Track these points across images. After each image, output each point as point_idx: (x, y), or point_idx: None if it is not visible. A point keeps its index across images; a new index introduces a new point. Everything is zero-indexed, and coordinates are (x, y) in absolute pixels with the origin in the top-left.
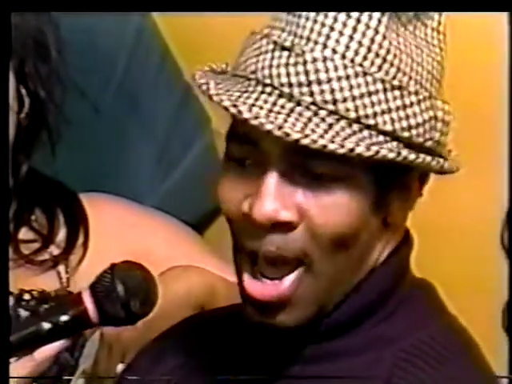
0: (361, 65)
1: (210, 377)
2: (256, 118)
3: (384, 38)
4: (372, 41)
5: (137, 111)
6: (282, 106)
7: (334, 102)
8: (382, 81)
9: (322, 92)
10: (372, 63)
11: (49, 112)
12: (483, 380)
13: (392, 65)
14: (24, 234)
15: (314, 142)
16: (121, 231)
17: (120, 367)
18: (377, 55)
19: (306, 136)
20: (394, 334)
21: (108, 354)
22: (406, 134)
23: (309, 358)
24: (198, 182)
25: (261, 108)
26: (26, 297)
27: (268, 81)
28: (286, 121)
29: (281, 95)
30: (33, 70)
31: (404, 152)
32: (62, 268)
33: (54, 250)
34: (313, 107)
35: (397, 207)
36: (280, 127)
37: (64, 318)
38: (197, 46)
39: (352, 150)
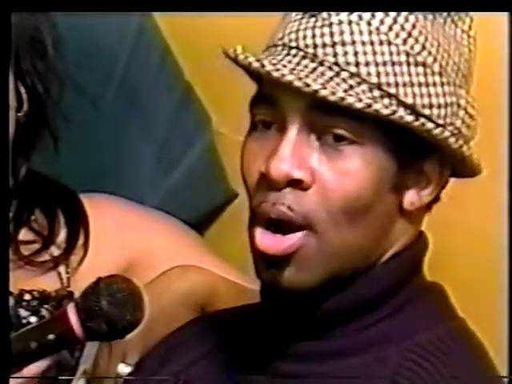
0: (386, 34)
1: (223, 373)
2: (277, 70)
3: (410, 14)
4: (398, 13)
5: (137, 111)
6: (306, 66)
7: (357, 64)
8: (407, 53)
9: (345, 53)
10: (397, 35)
11: (48, 110)
12: (488, 383)
13: (417, 41)
14: (24, 234)
15: (333, 93)
16: (121, 231)
17: (120, 367)
18: (402, 28)
19: (325, 88)
20: (399, 333)
21: (108, 354)
22: (426, 112)
23: (312, 356)
24: (198, 181)
25: (284, 66)
26: (27, 297)
27: (294, 44)
28: (307, 76)
29: (305, 56)
30: (30, 66)
31: (422, 119)
32: (62, 269)
33: (55, 251)
34: (335, 68)
35: (413, 194)
36: (300, 78)
37: (50, 336)
38: (197, 46)
39: (370, 105)
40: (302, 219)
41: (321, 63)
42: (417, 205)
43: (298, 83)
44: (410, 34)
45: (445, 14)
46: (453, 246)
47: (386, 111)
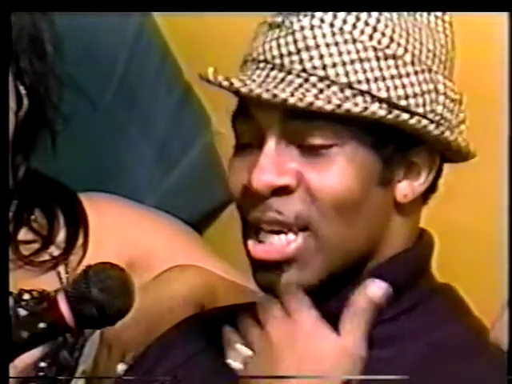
0: (350, 33)
1: (223, 363)
2: (245, 85)
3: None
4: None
5: (137, 111)
6: (274, 77)
7: (324, 67)
8: (374, 49)
9: (311, 58)
10: (362, 32)
11: (47, 110)
12: (500, 381)
13: (384, 35)
14: (24, 234)
15: (301, 100)
16: (121, 231)
17: (120, 367)
18: (366, 24)
19: (293, 96)
20: (417, 329)
21: (108, 354)
22: (403, 103)
23: None
24: (197, 181)
25: (253, 81)
26: (26, 297)
27: (262, 57)
28: (275, 87)
29: (273, 68)
30: (29, 66)
31: (396, 111)
32: (61, 268)
33: (54, 251)
34: (303, 74)
35: (405, 186)
36: (268, 90)
37: (41, 325)
38: (197, 46)
39: (339, 105)
40: (293, 220)
41: (289, 72)
42: (410, 196)
43: (265, 95)
44: (375, 29)
45: None
46: (453, 246)
47: (356, 109)
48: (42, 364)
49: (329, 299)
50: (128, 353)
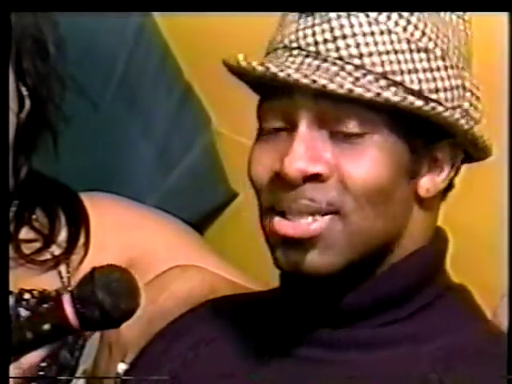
0: (385, 23)
1: (234, 354)
2: (282, 70)
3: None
4: None
5: (137, 111)
6: (309, 64)
7: (360, 55)
8: (408, 41)
9: (347, 46)
10: (396, 24)
11: (49, 111)
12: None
13: (416, 28)
14: (25, 233)
15: (341, 86)
16: (122, 231)
17: (120, 367)
18: (400, 16)
19: (332, 82)
20: (430, 331)
21: (108, 354)
22: (434, 96)
23: (335, 344)
24: (198, 181)
25: (288, 67)
26: (27, 296)
27: (295, 44)
28: (313, 73)
29: (307, 55)
30: (31, 66)
31: (432, 103)
32: (63, 268)
33: (56, 250)
34: (339, 62)
35: (427, 181)
36: (306, 76)
37: (45, 326)
38: (197, 46)
39: (379, 94)
40: (326, 206)
41: (324, 60)
42: (432, 192)
43: (304, 80)
44: (409, 22)
45: None
46: (453, 246)
47: (395, 98)
48: (42, 364)
49: (346, 292)
50: (128, 353)
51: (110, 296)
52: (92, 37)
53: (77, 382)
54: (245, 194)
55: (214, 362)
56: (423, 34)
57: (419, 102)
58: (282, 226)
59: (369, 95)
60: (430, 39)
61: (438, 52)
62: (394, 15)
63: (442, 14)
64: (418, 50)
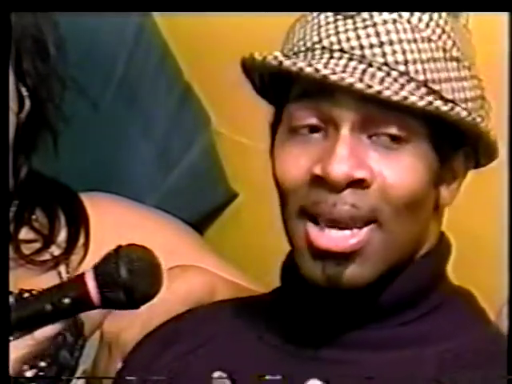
0: (424, 31)
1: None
2: (335, 73)
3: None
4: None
5: (137, 111)
6: (355, 68)
7: (406, 62)
8: (444, 50)
9: (394, 52)
10: (433, 32)
11: (49, 111)
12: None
13: (449, 37)
14: (25, 234)
15: (396, 93)
16: (122, 231)
17: (120, 367)
18: (437, 25)
19: (388, 88)
20: (437, 333)
21: (108, 354)
22: (464, 106)
23: (347, 344)
24: (198, 181)
25: (343, 72)
26: (26, 296)
27: (336, 46)
28: (361, 79)
29: (351, 58)
30: (31, 67)
31: (473, 114)
32: (62, 268)
33: (55, 250)
34: (385, 68)
35: (444, 190)
36: (361, 80)
37: (66, 300)
38: (196, 46)
39: (431, 103)
40: (368, 214)
41: (370, 64)
42: (447, 200)
43: (359, 85)
44: (443, 31)
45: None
46: (454, 250)
47: (445, 108)
48: (42, 364)
49: (358, 295)
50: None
51: (134, 276)
52: (92, 37)
53: (77, 382)
54: (245, 194)
55: (208, 366)
56: (454, 43)
57: (464, 113)
58: (321, 239)
59: (422, 103)
60: (458, 49)
61: (467, 62)
62: (432, 23)
63: (460, 20)
64: (451, 59)
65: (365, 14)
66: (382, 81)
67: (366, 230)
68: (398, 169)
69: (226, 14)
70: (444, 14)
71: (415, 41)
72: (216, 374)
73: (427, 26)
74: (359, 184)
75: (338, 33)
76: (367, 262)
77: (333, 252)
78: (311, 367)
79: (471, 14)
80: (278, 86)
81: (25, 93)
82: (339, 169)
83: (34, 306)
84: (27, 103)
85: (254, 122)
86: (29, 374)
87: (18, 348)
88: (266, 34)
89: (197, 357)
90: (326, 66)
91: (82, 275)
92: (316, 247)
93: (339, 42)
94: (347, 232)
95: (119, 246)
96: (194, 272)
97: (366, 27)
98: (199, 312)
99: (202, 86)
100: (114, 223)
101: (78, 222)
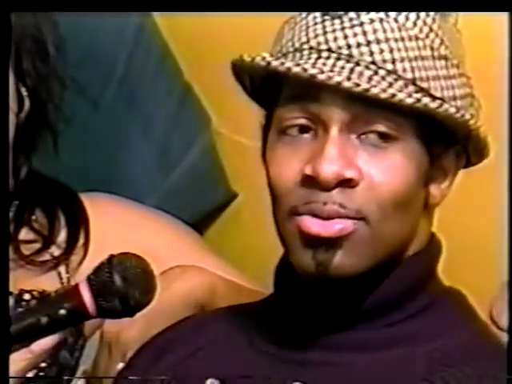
0: (412, 30)
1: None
2: (322, 72)
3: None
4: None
5: (137, 111)
6: (342, 67)
7: (393, 61)
8: (431, 48)
9: (381, 51)
10: (420, 30)
11: (49, 111)
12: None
13: (437, 35)
14: (25, 234)
15: (384, 91)
16: (122, 231)
17: (120, 367)
18: (425, 23)
19: (375, 86)
20: (426, 333)
21: (108, 354)
22: (453, 103)
23: (335, 346)
24: (198, 181)
25: (330, 71)
26: (26, 297)
27: (324, 46)
28: (349, 78)
29: (339, 58)
30: (31, 67)
31: (462, 111)
32: (62, 268)
33: (55, 251)
34: (372, 66)
35: (435, 189)
36: (349, 78)
37: (61, 311)
38: (196, 46)
39: (419, 100)
40: (355, 214)
41: (357, 63)
42: (438, 199)
43: (347, 84)
44: (431, 29)
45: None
46: (453, 247)
47: (433, 105)
48: (42, 364)
49: (347, 295)
50: (128, 353)
51: (128, 284)
52: (92, 37)
53: (77, 382)
54: (245, 194)
55: (202, 373)
56: (442, 41)
57: (453, 109)
58: (313, 225)
59: (410, 101)
60: (446, 47)
61: (455, 60)
62: (419, 22)
63: (449, 20)
64: (439, 58)
65: (352, 14)
66: (369, 79)
67: (353, 222)
68: (385, 168)
69: (225, 13)
70: (432, 13)
71: (402, 39)
72: (208, 382)
73: (414, 24)
74: (347, 183)
75: (325, 33)
76: (355, 251)
77: (322, 238)
78: (300, 371)
79: (471, 14)
80: (268, 88)
81: (25, 93)
82: (329, 169)
83: (30, 319)
84: (27, 103)
85: (254, 122)
86: (29, 374)
87: (16, 362)
88: (266, 34)
89: (189, 365)
90: (313, 65)
91: (77, 286)
92: (306, 233)
93: (327, 41)
94: (333, 221)
95: (112, 255)
96: (193, 272)
97: (352, 26)
98: (195, 319)
99: (201, 86)
100: (113, 223)
101: (78, 223)
